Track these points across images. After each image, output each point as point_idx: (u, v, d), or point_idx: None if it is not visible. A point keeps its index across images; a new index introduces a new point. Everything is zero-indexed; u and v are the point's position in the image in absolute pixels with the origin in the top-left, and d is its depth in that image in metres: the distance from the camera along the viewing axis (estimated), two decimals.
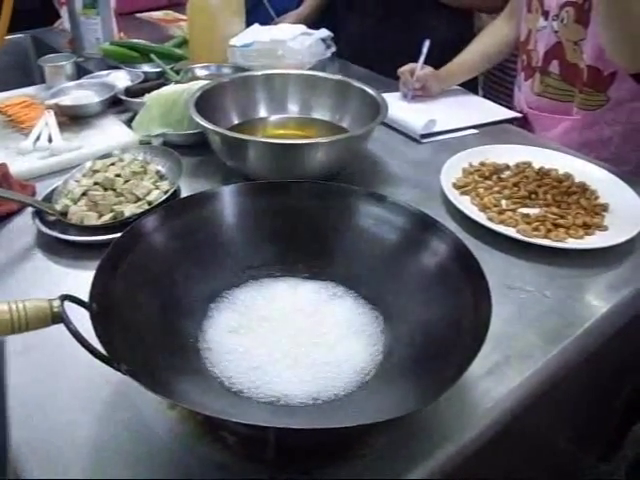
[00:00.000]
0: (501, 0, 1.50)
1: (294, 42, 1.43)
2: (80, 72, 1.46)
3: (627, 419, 1.30)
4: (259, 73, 1.21)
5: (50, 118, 1.19)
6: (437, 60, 1.37)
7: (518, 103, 1.38)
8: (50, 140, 1.13)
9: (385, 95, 1.10)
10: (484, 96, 1.71)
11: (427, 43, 1.34)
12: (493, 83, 1.68)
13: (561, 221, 0.92)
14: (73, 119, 1.23)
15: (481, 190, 1.00)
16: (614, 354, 0.88)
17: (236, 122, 1.16)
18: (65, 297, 0.56)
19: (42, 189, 0.98)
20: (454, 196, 0.97)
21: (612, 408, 1.15)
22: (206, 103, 1.06)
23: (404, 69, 1.36)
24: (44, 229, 0.88)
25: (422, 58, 1.35)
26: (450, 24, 1.56)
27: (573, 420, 0.98)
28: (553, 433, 0.90)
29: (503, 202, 0.98)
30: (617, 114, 1.19)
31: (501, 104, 1.45)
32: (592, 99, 1.19)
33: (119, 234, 0.69)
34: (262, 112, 1.20)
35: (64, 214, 0.91)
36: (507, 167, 1.08)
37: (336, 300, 0.72)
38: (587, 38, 1.15)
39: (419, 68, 1.34)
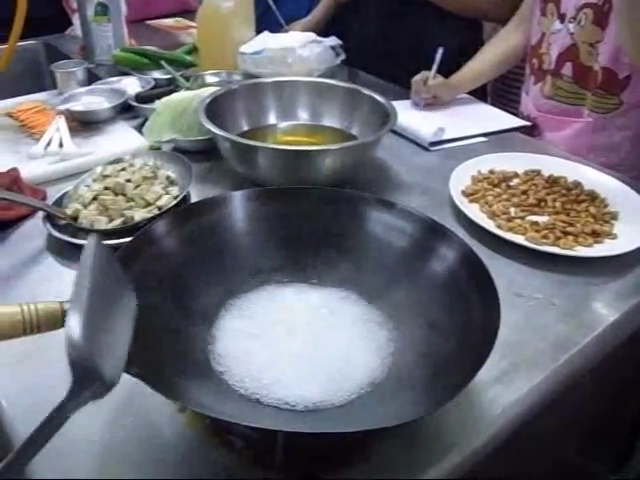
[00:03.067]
0: (507, 9, 1.50)
1: (304, 50, 1.44)
2: (91, 78, 1.47)
3: (637, 429, 1.29)
4: (269, 80, 1.22)
5: (61, 123, 1.20)
6: (446, 68, 1.37)
7: (525, 108, 1.39)
8: (61, 145, 1.14)
9: (394, 103, 1.10)
10: (492, 103, 1.71)
11: (440, 51, 1.35)
12: (501, 90, 1.68)
13: (570, 229, 0.92)
14: (84, 124, 1.24)
15: (490, 198, 1.00)
16: (623, 362, 0.88)
17: (246, 128, 1.17)
18: None
19: (53, 193, 0.99)
20: (463, 203, 0.97)
21: (621, 417, 1.14)
22: (216, 109, 1.07)
23: (417, 78, 1.37)
24: (55, 233, 0.89)
25: (435, 67, 1.35)
26: (458, 32, 1.56)
27: (581, 429, 0.97)
28: (561, 442, 0.89)
29: (512, 210, 0.98)
30: (628, 119, 1.19)
31: (509, 111, 1.45)
32: (604, 102, 1.20)
33: (129, 238, 0.70)
34: (272, 119, 1.20)
35: (75, 218, 0.91)
36: (516, 175, 1.08)
37: (345, 306, 0.73)
38: (604, 40, 1.15)
39: (432, 77, 1.35)
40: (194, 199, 0.98)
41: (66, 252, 0.88)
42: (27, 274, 0.85)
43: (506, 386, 0.67)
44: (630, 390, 1.06)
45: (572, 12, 1.19)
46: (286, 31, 1.69)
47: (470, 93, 1.45)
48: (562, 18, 1.22)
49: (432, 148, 1.23)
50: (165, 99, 1.18)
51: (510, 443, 0.64)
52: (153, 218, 0.88)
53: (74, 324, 0.44)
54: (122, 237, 0.85)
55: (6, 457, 0.41)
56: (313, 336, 0.67)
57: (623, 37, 1.06)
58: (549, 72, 1.28)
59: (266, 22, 1.69)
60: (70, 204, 0.94)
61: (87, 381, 0.45)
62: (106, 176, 0.98)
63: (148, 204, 0.93)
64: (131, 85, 1.43)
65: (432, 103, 1.38)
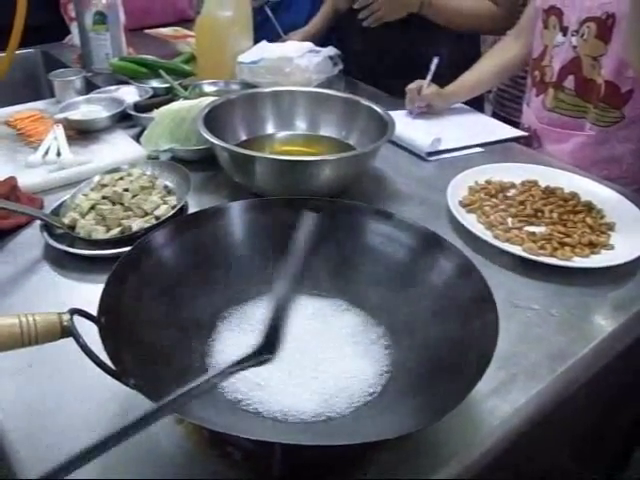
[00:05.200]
0: (504, 22, 1.51)
1: (302, 59, 1.44)
2: (89, 87, 1.47)
3: (632, 439, 1.29)
4: (267, 90, 1.23)
5: (59, 132, 1.20)
6: (442, 78, 1.38)
7: (527, 120, 1.39)
8: (59, 154, 1.14)
9: (391, 113, 1.11)
10: (495, 112, 1.71)
11: (435, 60, 1.35)
12: (505, 99, 1.69)
13: (567, 240, 0.92)
14: (82, 133, 1.24)
15: (487, 208, 1.00)
16: (620, 373, 0.88)
17: (244, 138, 1.17)
18: (74, 311, 0.56)
19: (50, 202, 0.99)
20: (460, 214, 0.98)
21: (617, 428, 1.14)
22: (214, 119, 1.07)
23: (411, 87, 1.38)
24: (52, 242, 0.89)
25: (430, 75, 1.36)
26: (455, 42, 1.57)
27: (578, 439, 0.97)
28: (558, 452, 0.89)
29: (509, 220, 0.98)
30: (630, 132, 1.20)
31: (512, 120, 1.46)
32: (607, 115, 1.20)
33: (127, 248, 0.70)
34: (270, 128, 1.21)
35: (72, 227, 0.91)
36: (513, 185, 1.09)
37: (343, 317, 0.73)
38: (607, 54, 1.16)
39: (426, 85, 1.35)
40: (192, 209, 0.98)
41: (63, 261, 0.88)
42: (24, 283, 0.85)
43: (504, 397, 0.68)
44: (627, 400, 1.06)
45: (575, 26, 1.19)
46: (284, 40, 1.70)
47: (466, 102, 1.45)
48: (565, 31, 1.22)
49: (429, 158, 1.23)
50: (163, 108, 1.18)
51: (508, 454, 0.64)
52: (151, 228, 0.88)
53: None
54: (120, 247, 0.85)
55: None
56: (311, 347, 0.67)
57: (630, 50, 1.05)
58: (551, 84, 1.28)
59: (264, 31, 1.70)
60: (67, 213, 0.94)
61: (270, 348, 0.53)
62: (104, 185, 0.98)
63: (146, 214, 0.93)
64: (129, 94, 1.43)
65: (425, 112, 1.38)
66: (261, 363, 0.53)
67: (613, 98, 1.18)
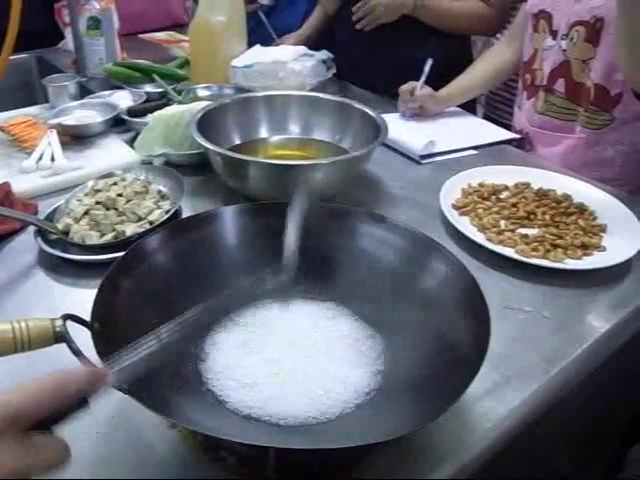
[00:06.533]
0: (496, 23, 1.52)
1: (295, 63, 1.45)
2: (83, 92, 1.48)
3: (628, 439, 1.29)
4: (260, 94, 1.23)
5: (53, 137, 1.20)
6: (434, 80, 1.39)
7: (518, 122, 1.40)
8: (53, 159, 1.14)
9: (384, 116, 1.11)
10: (486, 114, 1.72)
11: (429, 62, 1.36)
12: (496, 102, 1.70)
13: (559, 241, 0.93)
14: (76, 138, 1.24)
15: (480, 211, 1.01)
16: (614, 374, 0.88)
17: (237, 142, 1.17)
18: (67, 317, 0.56)
19: (44, 208, 0.99)
20: (453, 217, 0.98)
21: (612, 428, 1.14)
22: (208, 123, 1.07)
23: (404, 88, 1.38)
24: (46, 248, 0.89)
25: (423, 77, 1.36)
26: (447, 45, 1.58)
27: (573, 440, 0.98)
28: (553, 453, 0.89)
29: (502, 223, 0.98)
30: (620, 134, 1.20)
31: (503, 123, 1.46)
32: (597, 118, 1.20)
33: (120, 253, 0.70)
34: (263, 132, 1.21)
35: (66, 233, 0.91)
36: (506, 188, 1.09)
37: (336, 320, 0.73)
38: (596, 57, 1.17)
39: (419, 87, 1.36)
40: (186, 213, 0.98)
41: (57, 267, 0.88)
42: (18, 289, 0.85)
43: (497, 399, 0.68)
44: (621, 401, 1.06)
45: (564, 29, 1.20)
46: (277, 44, 1.70)
47: (459, 105, 1.46)
48: (554, 35, 1.23)
49: (423, 161, 1.23)
50: (157, 113, 1.18)
51: (501, 456, 0.64)
52: (145, 233, 0.88)
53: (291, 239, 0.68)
54: (113, 252, 0.85)
55: None
56: (305, 351, 0.67)
57: (620, 54, 1.05)
58: (542, 88, 1.29)
59: (257, 35, 1.70)
60: (61, 219, 0.94)
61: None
62: (97, 190, 0.98)
63: (139, 219, 0.93)
64: (123, 99, 1.43)
65: (418, 114, 1.39)
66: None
67: (603, 101, 1.19)
